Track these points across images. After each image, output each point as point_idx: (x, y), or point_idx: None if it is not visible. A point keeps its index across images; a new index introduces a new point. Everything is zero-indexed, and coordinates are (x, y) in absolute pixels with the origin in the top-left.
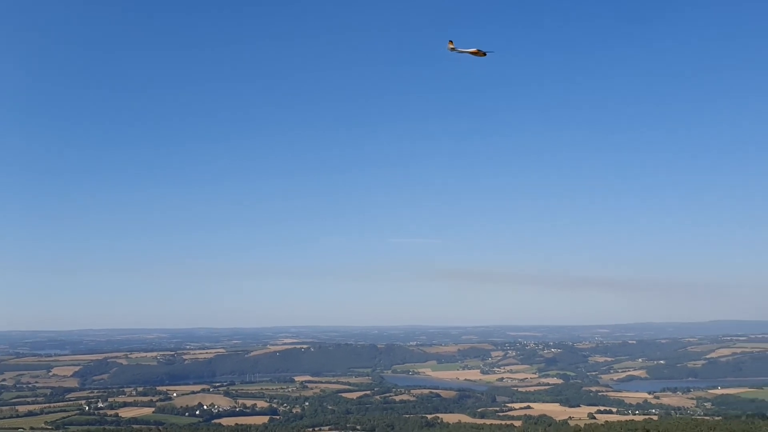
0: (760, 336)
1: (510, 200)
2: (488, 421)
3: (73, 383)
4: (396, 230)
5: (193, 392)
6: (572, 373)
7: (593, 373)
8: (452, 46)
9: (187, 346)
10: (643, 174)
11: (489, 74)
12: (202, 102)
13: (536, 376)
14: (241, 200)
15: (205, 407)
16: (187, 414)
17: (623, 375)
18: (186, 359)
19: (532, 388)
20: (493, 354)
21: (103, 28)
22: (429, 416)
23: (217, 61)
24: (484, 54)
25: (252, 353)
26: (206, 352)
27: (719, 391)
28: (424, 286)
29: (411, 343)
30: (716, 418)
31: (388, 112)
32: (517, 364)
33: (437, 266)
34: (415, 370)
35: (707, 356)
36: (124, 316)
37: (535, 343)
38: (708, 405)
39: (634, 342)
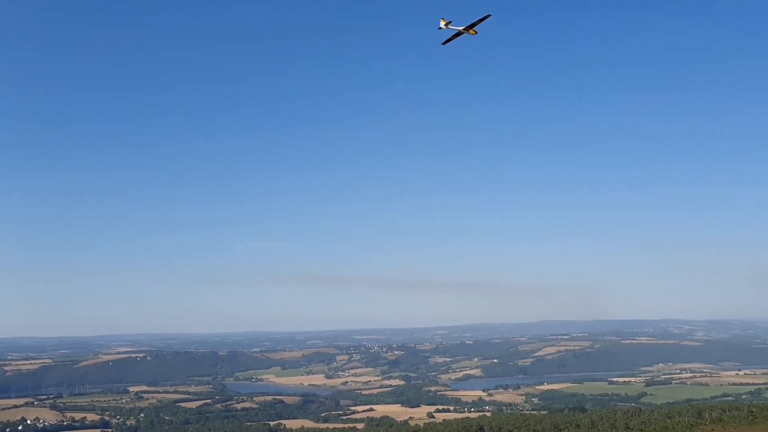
0: (581, 335)
1: (353, 204)
2: (331, 425)
3: None
4: (241, 234)
5: (15, 406)
6: (414, 374)
7: (433, 374)
8: (445, 24)
9: (9, 356)
10: (468, 181)
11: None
12: None
13: (379, 378)
14: (60, 196)
15: (28, 422)
16: (8, 430)
17: (460, 374)
18: (7, 370)
19: (375, 391)
20: (338, 358)
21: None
22: (272, 423)
23: None
24: (475, 30)
25: (81, 363)
26: (30, 363)
27: (545, 387)
28: (269, 291)
29: (254, 349)
30: (542, 412)
31: (232, 118)
32: (361, 367)
33: (283, 271)
34: (259, 377)
35: (535, 354)
36: None
37: (379, 346)
38: (535, 400)
39: (471, 342)
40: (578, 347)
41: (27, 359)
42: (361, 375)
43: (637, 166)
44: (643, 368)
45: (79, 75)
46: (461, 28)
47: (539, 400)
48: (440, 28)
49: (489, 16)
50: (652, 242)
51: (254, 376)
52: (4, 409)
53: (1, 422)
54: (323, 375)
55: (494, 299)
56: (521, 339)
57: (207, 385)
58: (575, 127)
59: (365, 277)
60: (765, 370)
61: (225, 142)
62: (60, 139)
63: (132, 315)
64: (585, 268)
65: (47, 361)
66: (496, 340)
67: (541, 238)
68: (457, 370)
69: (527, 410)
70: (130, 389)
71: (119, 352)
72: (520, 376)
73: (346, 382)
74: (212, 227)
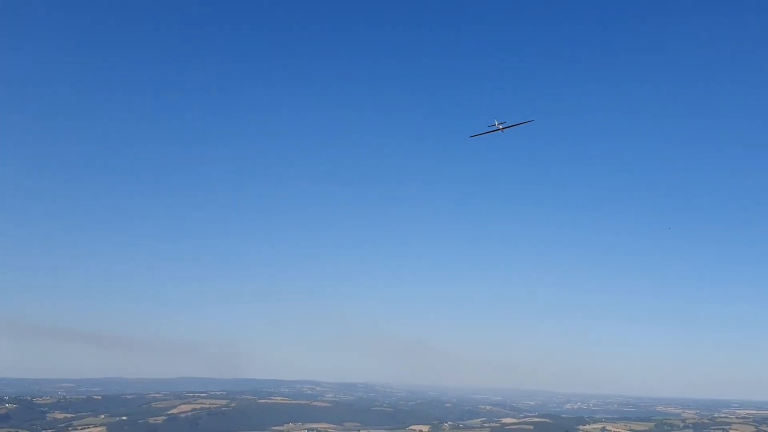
0: (219, 393)
1: None
2: None
3: None
4: None
5: None
6: (26, 431)
7: (50, 431)
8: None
9: None
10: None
11: None
12: None
13: None
14: None
15: None
16: None
17: None
18: None
19: None
20: None
21: None
22: None
23: None
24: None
25: None
26: None
27: None
28: None
29: None
30: None
31: None
32: None
33: None
34: None
35: (169, 412)
36: None
37: None
38: None
39: (100, 397)
40: (215, 405)
41: None
42: None
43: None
44: (274, 427)
45: None
46: (501, 127)
47: None
48: (493, 125)
49: (532, 120)
50: (291, 306)
51: None
52: None
53: None
54: None
55: (131, 353)
56: (156, 395)
57: None
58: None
59: None
60: (381, 431)
61: None
62: None
63: None
64: (229, 326)
65: None
66: (129, 396)
67: (181, 292)
68: (80, 428)
69: None
70: None
71: None
72: None
73: None
74: None
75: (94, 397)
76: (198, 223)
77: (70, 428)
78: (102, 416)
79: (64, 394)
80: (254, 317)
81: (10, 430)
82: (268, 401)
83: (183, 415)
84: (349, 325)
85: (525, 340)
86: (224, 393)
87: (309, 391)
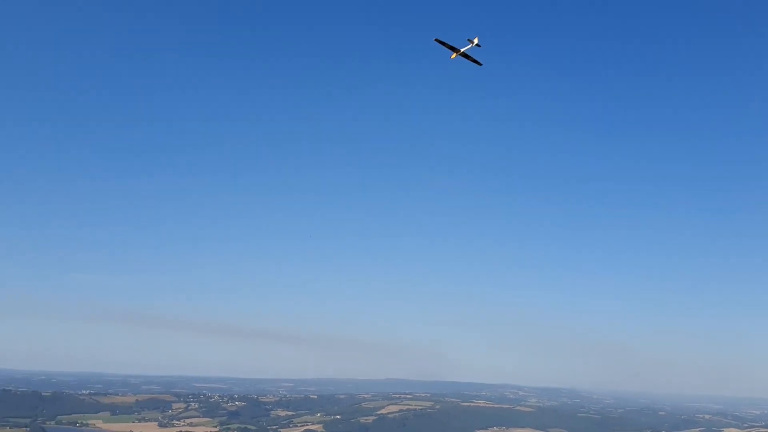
0: (424, 395)
1: (192, 245)
2: None
3: None
4: (74, 265)
5: None
6: (253, 427)
7: (273, 427)
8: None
9: None
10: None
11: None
12: None
13: (217, 429)
14: None
15: None
16: None
17: (301, 429)
18: None
19: None
20: (175, 406)
21: None
22: None
23: None
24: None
25: None
26: None
27: None
28: (102, 329)
29: (83, 391)
30: None
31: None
32: (198, 416)
33: (118, 308)
34: (85, 422)
35: (378, 412)
36: None
37: (219, 396)
38: None
39: (316, 397)
40: (420, 407)
41: None
42: (197, 425)
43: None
44: (478, 431)
45: None
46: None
47: None
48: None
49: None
50: (492, 311)
51: (79, 421)
52: None
53: None
54: (156, 423)
55: (342, 355)
56: (366, 396)
57: (23, 428)
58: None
59: (208, 323)
60: None
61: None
62: None
63: None
64: (432, 330)
65: None
66: (341, 396)
67: (389, 297)
68: (299, 425)
69: None
70: None
71: None
72: None
73: (181, 431)
74: (45, 254)
75: (311, 396)
76: (408, 226)
77: (291, 425)
78: (318, 414)
79: (285, 393)
80: (456, 321)
81: (240, 425)
82: (471, 404)
83: (391, 415)
84: (550, 330)
85: (741, 344)
86: (428, 395)
87: (511, 396)
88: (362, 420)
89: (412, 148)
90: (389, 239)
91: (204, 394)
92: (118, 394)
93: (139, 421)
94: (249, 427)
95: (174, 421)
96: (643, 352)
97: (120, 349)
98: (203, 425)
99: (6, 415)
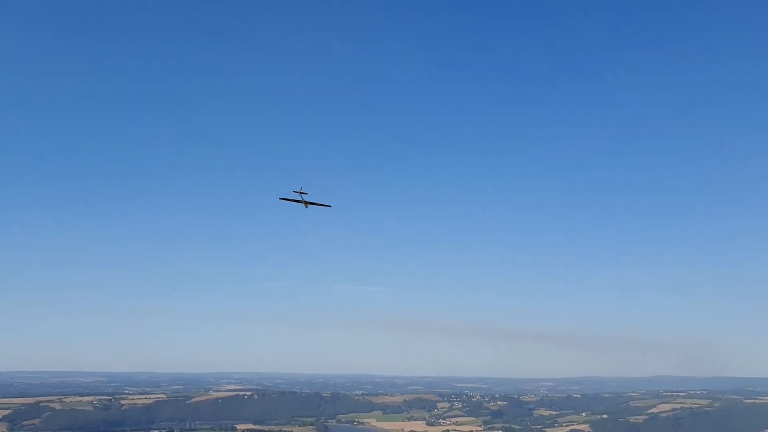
0: (698, 392)
1: (454, 252)
2: None
3: (1, 429)
4: (340, 276)
5: None
6: (518, 427)
7: (538, 427)
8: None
9: (126, 391)
10: (582, 235)
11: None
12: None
13: (481, 428)
14: (181, 240)
15: None
16: None
17: (567, 429)
18: (124, 404)
19: None
20: (439, 405)
21: None
22: None
23: None
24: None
25: (193, 399)
26: (145, 398)
27: None
28: (370, 335)
29: (356, 392)
30: None
31: (326, 157)
32: (463, 415)
33: (383, 314)
34: (360, 420)
35: (648, 411)
36: (60, 358)
37: (481, 395)
38: None
39: (578, 396)
40: (696, 405)
41: (143, 394)
42: (462, 424)
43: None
44: (766, 431)
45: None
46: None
47: None
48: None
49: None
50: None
51: (356, 419)
52: None
53: None
54: (424, 422)
55: (603, 352)
56: (633, 394)
57: (310, 426)
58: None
59: (465, 324)
60: None
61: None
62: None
63: (240, 353)
64: (701, 322)
65: (161, 396)
66: (606, 395)
67: (655, 289)
68: (564, 425)
69: None
70: (238, 426)
71: (228, 390)
72: None
73: (447, 430)
74: (313, 269)
75: (574, 395)
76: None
77: (555, 424)
78: (584, 414)
79: (546, 392)
80: (730, 312)
81: (504, 424)
82: (757, 401)
83: (663, 414)
84: None
85: None
86: (704, 392)
87: None
88: (631, 419)
89: None
90: (647, 230)
91: (466, 394)
92: (387, 394)
93: (408, 419)
94: (513, 426)
95: (440, 420)
96: None
97: (384, 352)
98: (468, 424)
99: (294, 414)
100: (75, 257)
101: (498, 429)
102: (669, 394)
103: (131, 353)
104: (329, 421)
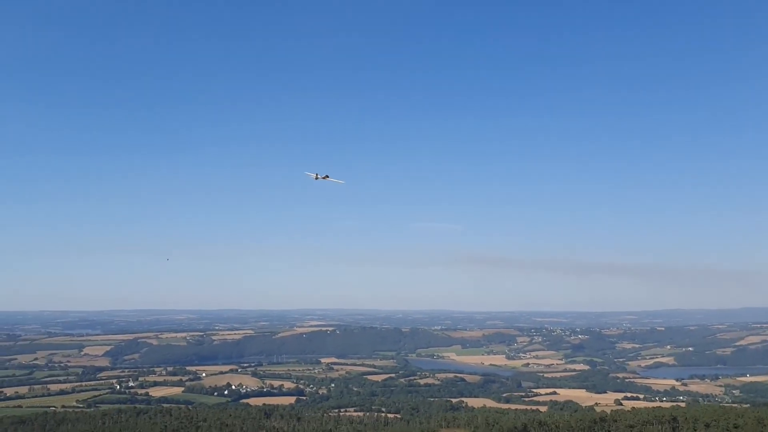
0: None
1: (532, 186)
2: (513, 406)
3: (105, 362)
4: (417, 215)
5: (221, 372)
6: (599, 360)
7: (620, 360)
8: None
9: (216, 327)
10: (665, 162)
11: (501, 67)
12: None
13: (562, 362)
14: (265, 184)
15: (233, 387)
16: (215, 394)
17: (651, 362)
18: (215, 340)
19: (558, 374)
20: (519, 339)
21: None
22: (453, 400)
23: None
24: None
25: (279, 335)
26: (234, 333)
27: (748, 378)
28: (448, 271)
29: (435, 327)
30: (744, 405)
31: (406, 104)
32: (543, 350)
33: (460, 251)
34: (440, 354)
35: (736, 344)
36: (154, 297)
37: (561, 330)
38: (736, 392)
39: (662, 329)
40: None
41: (232, 330)
42: (542, 358)
43: None
44: None
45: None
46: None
47: (740, 392)
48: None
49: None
50: None
51: (435, 353)
52: (212, 375)
53: (210, 386)
54: (504, 356)
55: (687, 284)
56: (719, 327)
57: (391, 360)
58: None
59: (543, 260)
60: None
61: (403, 125)
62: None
63: (322, 291)
64: None
65: (249, 332)
66: (691, 327)
67: (742, 218)
68: (647, 358)
69: (726, 402)
70: (322, 360)
71: (311, 326)
72: (718, 366)
73: (528, 364)
74: (390, 207)
75: (657, 328)
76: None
77: (639, 357)
78: (668, 347)
79: (628, 325)
80: None
81: (586, 357)
82: None
83: (752, 346)
84: None
85: None
86: None
87: None
88: (718, 352)
89: None
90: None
91: (546, 328)
92: (466, 329)
93: (488, 353)
94: (595, 359)
95: (520, 354)
96: None
97: (462, 288)
98: (549, 358)
99: (375, 348)
100: (158, 203)
101: (579, 362)
102: (758, 326)
103: (221, 292)
104: (409, 355)
